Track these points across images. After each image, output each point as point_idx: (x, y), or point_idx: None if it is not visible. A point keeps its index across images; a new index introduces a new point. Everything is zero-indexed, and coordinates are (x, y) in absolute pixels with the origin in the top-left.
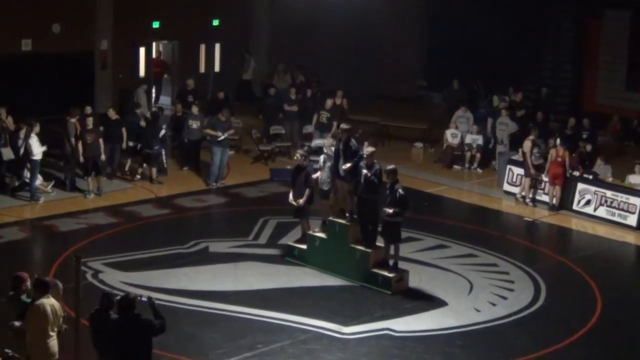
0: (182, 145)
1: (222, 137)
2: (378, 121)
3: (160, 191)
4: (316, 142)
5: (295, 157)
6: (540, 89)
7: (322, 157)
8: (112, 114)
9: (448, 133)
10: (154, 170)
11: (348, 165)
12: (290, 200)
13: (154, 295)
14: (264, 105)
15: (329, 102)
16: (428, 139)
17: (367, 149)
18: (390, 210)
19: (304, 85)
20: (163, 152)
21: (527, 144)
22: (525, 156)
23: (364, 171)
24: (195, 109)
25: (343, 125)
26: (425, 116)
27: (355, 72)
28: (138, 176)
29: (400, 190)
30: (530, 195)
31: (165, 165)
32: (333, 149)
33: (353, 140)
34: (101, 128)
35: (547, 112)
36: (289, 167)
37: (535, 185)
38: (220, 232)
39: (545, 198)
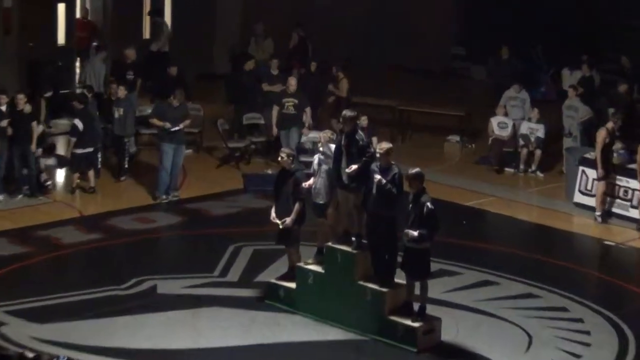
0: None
1: (176, 129)
2: (396, 105)
3: (87, 207)
4: (308, 136)
5: (279, 159)
6: (620, 58)
7: (316, 158)
8: (22, 102)
9: (494, 122)
10: (91, 174)
11: (354, 168)
12: (272, 218)
13: (78, 357)
14: (235, 85)
15: (291, 82)
16: (466, 130)
17: (381, 146)
18: (415, 233)
19: (300, 55)
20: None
21: (601, 135)
22: (598, 151)
23: (377, 177)
24: (121, 91)
25: (346, 113)
26: (462, 98)
27: (366, 38)
28: (49, 183)
29: (428, 203)
30: (605, 208)
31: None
32: (332, 146)
33: (361, 133)
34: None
35: (631, 88)
36: (270, 171)
37: (613, 193)
38: (173, 266)
39: (635, 213)
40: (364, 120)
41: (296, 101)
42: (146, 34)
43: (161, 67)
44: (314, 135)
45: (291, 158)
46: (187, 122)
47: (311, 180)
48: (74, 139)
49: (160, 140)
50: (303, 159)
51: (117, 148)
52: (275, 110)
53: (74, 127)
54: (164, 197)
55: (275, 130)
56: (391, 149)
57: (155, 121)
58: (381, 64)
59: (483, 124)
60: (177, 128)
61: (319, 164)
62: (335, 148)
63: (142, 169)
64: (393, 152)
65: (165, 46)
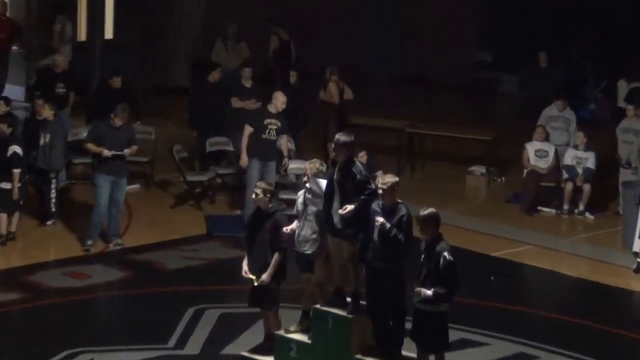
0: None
1: (116, 154)
2: (404, 127)
3: (4, 259)
4: (290, 167)
5: (253, 196)
6: None
7: (301, 196)
8: None
9: (531, 149)
10: (4, 217)
11: (349, 208)
12: (244, 273)
13: None
14: (196, 101)
15: (280, 99)
16: (494, 159)
17: (385, 180)
18: (429, 292)
19: (282, 62)
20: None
21: None
22: None
23: (379, 220)
24: (47, 110)
25: (340, 137)
26: (489, 117)
27: (366, 42)
28: None
29: (445, 254)
30: None
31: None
32: (321, 180)
33: (359, 164)
34: None
35: None
36: (239, 212)
37: None
38: (116, 335)
39: None
40: (361, 157)
41: (279, 124)
42: (82, 36)
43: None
44: (297, 166)
45: (269, 195)
46: (134, 148)
47: (294, 224)
48: (17, 171)
49: (95, 171)
50: (284, 196)
51: (41, 184)
52: (246, 131)
53: (14, 155)
54: (110, 245)
55: (244, 159)
56: (397, 183)
57: (90, 146)
58: (384, 75)
59: (516, 152)
60: (118, 154)
61: (305, 204)
62: (327, 183)
63: (75, 209)
64: (399, 188)
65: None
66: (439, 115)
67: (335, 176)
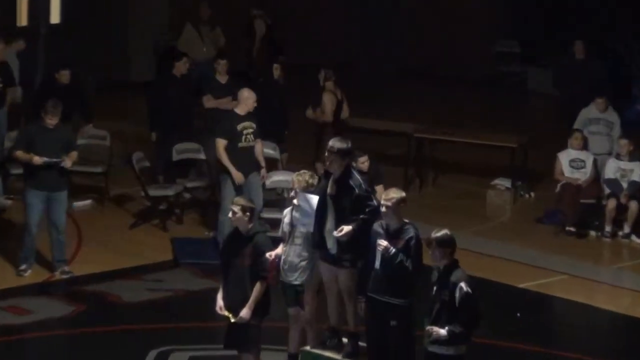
0: None
1: (51, 162)
2: (412, 132)
3: None
4: (272, 180)
5: (230, 215)
6: None
7: (287, 215)
8: None
9: (565, 158)
10: None
11: (346, 230)
12: (218, 308)
13: None
14: (159, 100)
15: (249, 97)
16: (522, 171)
17: (389, 196)
18: (443, 331)
19: (265, 52)
20: None
21: None
22: None
23: (382, 244)
24: None
25: (335, 144)
26: (515, 119)
27: (368, 31)
28: None
29: (462, 285)
30: None
31: None
32: (312, 197)
33: (357, 176)
34: None
35: None
36: (212, 234)
37: None
38: None
39: None
40: (362, 163)
41: (254, 126)
42: (22, 20)
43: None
44: (282, 178)
45: (249, 214)
46: (73, 155)
47: (280, 249)
48: None
49: (25, 185)
50: (267, 215)
51: None
52: (221, 145)
53: None
54: (56, 273)
55: (238, 175)
56: (404, 199)
57: (19, 154)
58: (390, 69)
59: (548, 162)
60: (52, 161)
61: (292, 224)
62: (319, 199)
63: (13, 231)
64: (406, 205)
65: None
66: (455, 118)
67: (329, 190)
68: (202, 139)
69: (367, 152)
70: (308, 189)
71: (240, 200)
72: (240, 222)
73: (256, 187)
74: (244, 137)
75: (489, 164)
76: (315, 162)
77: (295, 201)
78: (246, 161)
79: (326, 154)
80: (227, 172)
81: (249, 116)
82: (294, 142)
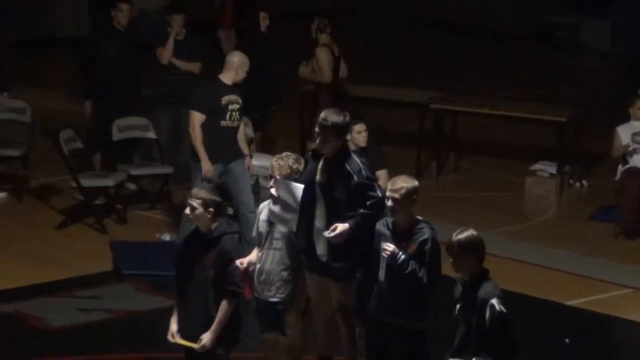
0: None
1: None
2: (428, 103)
3: None
4: (254, 162)
5: (186, 210)
6: None
7: (263, 210)
8: None
9: (625, 133)
10: None
11: (341, 229)
12: (170, 335)
13: None
14: (94, 60)
15: (241, 63)
16: (571, 153)
17: (396, 185)
18: None
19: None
20: None
21: None
22: None
23: (389, 248)
24: None
25: (328, 116)
26: (563, 84)
27: None
28: None
29: (494, 302)
30: None
31: None
32: (296, 185)
33: (356, 159)
34: None
35: None
36: (167, 238)
37: None
38: None
39: None
40: (359, 133)
41: (241, 102)
42: None
43: None
44: (259, 163)
45: (212, 210)
46: None
47: (253, 255)
48: None
49: None
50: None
51: None
52: (196, 120)
53: None
54: None
55: (207, 164)
56: (416, 190)
57: None
58: (400, 19)
59: (604, 140)
60: None
61: (270, 223)
62: (304, 189)
63: None
64: (420, 197)
65: None
66: (483, 83)
67: (318, 177)
68: (151, 112)
69: (371, 129)
70: (291, 176)
71: (201, 192)
72: (201, 221)
73: (242, 179)
74: (228, 114)
75: (527, 143)
76: (303, 140)
77: (274, 192)
78: (229, 145)
79: (316, 129)
80: (198, 164)
81: (235, 88)
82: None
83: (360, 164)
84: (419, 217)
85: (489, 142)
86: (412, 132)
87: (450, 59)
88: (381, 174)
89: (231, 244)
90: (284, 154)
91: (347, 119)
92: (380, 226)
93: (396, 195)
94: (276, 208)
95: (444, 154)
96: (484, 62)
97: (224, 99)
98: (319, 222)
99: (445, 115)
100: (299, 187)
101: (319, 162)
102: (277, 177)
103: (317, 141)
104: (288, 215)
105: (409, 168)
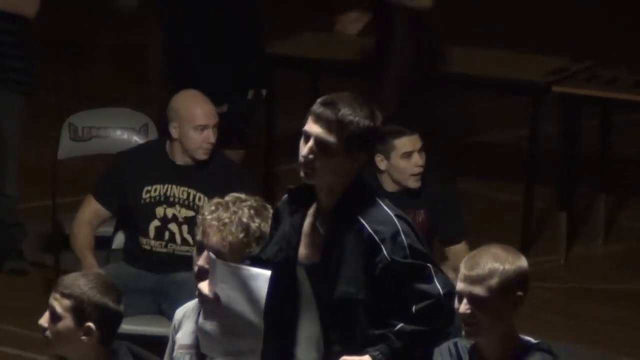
0: None
1: None
2: (543, 82)
3: None
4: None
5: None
6: None
7: (183, 321)
8: None
9: None
10: None
11: None
12: None
13: None
14: None
15: None
16: None
17: (480, 264)
18: None
19: None
20: None
21: None
22: None
23: None
24: None
25: (334, 105)
26: None
27: None
28: None
29: None
30: None
31: None
32: (248, 274)
33: (387, 209)
34: None
35: None
36: None
37: None
38: None
39: None
40: (407, 159)
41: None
42: None
43: None
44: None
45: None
46: None
47: None
48: None
49: None
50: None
51: None
52: None
53: None
54: None
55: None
56: (521, 277)
57: None
58: None
59: None
60: None
61: (199, 356)
62: (272, 280)
63: None
64: (528, 295)
65: None
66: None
67: (303, 251)
68: None
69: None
70: (244, 251)
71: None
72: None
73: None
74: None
75: None
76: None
77: (204, 288)
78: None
79: (305, 134)
80: None
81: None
82: None
83: (397, 220)
84: (529, 339)
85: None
86: (514, 145)
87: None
88: (458, 249)
89: None
90: (228, 197)
91: (379, 120)
92: (445, 357)
93: (479, 291)
94: (211, 326)
95: (583, 192)
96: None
97: None
98: (306, 352)
99: (582, 105)
100: (259, 277)
101: (304, 214)
102: (212, 254)
103: (301, 170)
104: (240, 342)
105: (509, 227)
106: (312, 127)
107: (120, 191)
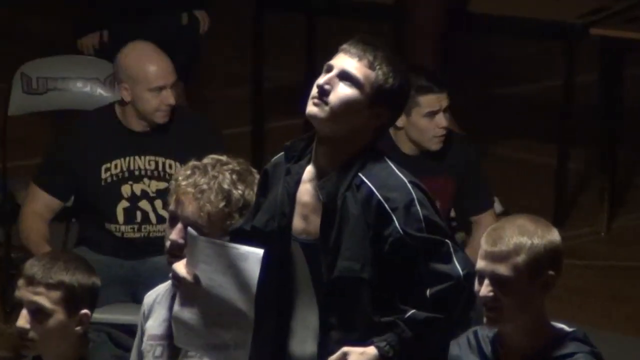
0: None
1: None
2: (577, 22)
3: None
4: None
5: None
6: None
7: (154, 308)
8: None
9: None
10: None
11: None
12: None
13: None
14: None
15: None
16: None
17: (504, 238)
18: None
19: None
20: None
21: None
22: None
23: None
24: None
25: (358, 48)
26: None
27: None
28: None
29: None
30: None
31: None
32: (234, 252)
33: (399, 174)
34: None
35: None
36: None
37: None
38: None
39: None
40: (430, 118)
41: None
42: None
43: None
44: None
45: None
46: None
47: None
48: None
49: None
50: (104, 315)
51: None
52: None
53: None
54: None
55: None
56: (554, 253)
57: None
58: None
59: None
60: None
61: (171, 347)
62: (264, 257)
63: None
64: (560, 275)
65: None
66: None
67: (298, 222)
68: None
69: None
70: (225, 222)
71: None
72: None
73: None
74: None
75: None
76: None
77: (179, 270)
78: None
79: (315, 95)
80: None
81: None
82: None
83: (411, 187)
84: (562, 327)
85: None
86: (545, 98)
87: None
88: (482, 219)
89: None
90: (206, 159)
91: (409, 84)
92: (464, 349)
93: (503, 270)
94: (190, 315)
95: (627, 153)
96: None
97: None
98: (300, 343)
99: (625, 51)
100: (250, 256)
101: (299, 179)
102: (190, 229)
103: (310, 102)
104: (224, 334)
105: (540, 194)
106: (342, 60)
107: (72, 176)
